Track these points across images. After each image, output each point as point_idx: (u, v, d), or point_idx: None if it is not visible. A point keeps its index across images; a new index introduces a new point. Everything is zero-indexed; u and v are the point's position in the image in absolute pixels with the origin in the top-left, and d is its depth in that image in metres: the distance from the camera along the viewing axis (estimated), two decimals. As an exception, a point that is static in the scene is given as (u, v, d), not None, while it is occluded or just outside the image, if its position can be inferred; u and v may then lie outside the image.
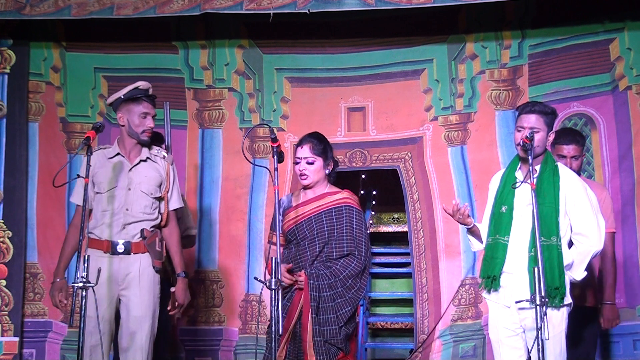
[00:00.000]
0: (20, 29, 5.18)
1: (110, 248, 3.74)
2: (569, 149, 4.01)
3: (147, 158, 3.87)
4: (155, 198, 3.85)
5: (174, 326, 5.02)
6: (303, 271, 3.67)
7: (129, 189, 3.79)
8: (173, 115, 4.90)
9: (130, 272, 3.76)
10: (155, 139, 4.43)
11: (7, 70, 5.17)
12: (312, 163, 3.76)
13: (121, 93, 3.83)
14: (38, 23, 5.06)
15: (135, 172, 3.82)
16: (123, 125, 3.84)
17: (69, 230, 3.83)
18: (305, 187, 3.83)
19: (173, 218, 3.94)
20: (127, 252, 3.75)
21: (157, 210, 3.88)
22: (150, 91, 3.88)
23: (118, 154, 3.83)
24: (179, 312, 3.91)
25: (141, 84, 3.85)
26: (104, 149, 3.90)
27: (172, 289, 3.88)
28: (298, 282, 3.66)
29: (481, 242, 3.67)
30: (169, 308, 3.87)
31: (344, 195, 3.82)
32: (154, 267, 3.80)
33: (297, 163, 3.79)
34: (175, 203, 3.94)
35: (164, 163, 3.92)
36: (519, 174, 3.55)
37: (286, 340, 3.63)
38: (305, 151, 3.77)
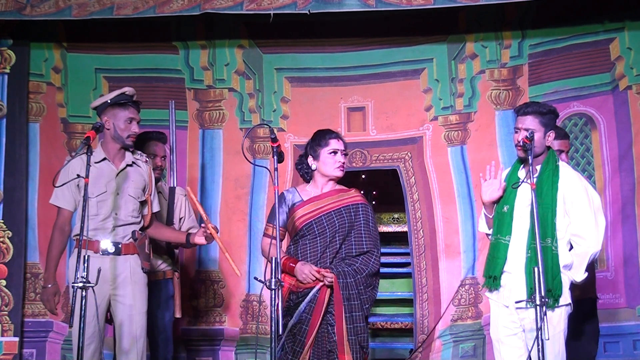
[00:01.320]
0: (21, 29, 5.18)
1: (99, 248, 3.76)
2: (566, 143, 4.05)
3: (133, 163, 3.92)
4: (141, 201, 3.92)
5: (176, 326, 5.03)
6: (329, 269, 3.67)
7: (117, 194, 3.83)
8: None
9: (121, 273, 3.79)
10: (158, 139, 4.46)
11: (7, 70, 5.17)
12: (346, 155, 3.88)
13: (108, 97, 3.86)
14: (38, 23, 5.06)
15: (122, 177, 3.86)
16: (108, 129, 3.86)
17: (55, 234, 3.85)
18: (315, 181, 3.85)
19: (155, 219, 4.05)
20: (117, 252, 3.79)
21: (140, 213, 3.94)
22: (135, 97, 3.93)
23: (105, 158, 3.85)
24: (212, 228, 3.84)
25: (127, 90, 3.89)
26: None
27: (198, 239, 3.88)
28: (326, 279, 3.66)
29: (489, 227, 3.67)
30: (210, 231, 3.80)
31: (358, 194, 3.90)
32: (142, 269, 3.87)
33: (335, 153, 3.81)
34: (157, 206, 4.07)
35: (146, 167, 3.98)
36: (522, 174, 3.55)
37: (310, 343, 3.63)
38: (342, 144, 3.85)
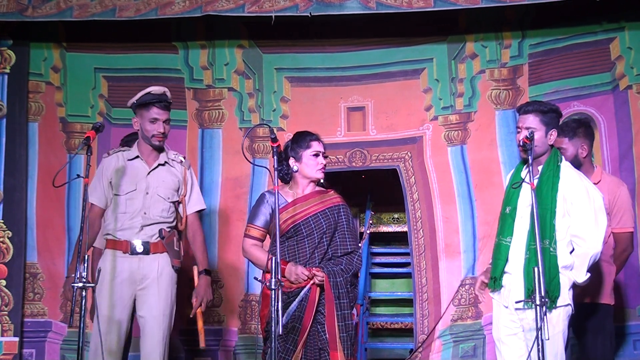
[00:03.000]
0: (21, 29, 5.19)
1: (129, 248, 3.78)
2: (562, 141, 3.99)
3: (165, 162, 3.94)
4: (172, 202, 3.93)
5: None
6: (319, 268, 3.70)
7: (147, 193, 3.86)
8: (173, 115, 4.87)
9: (149, 272, 3.81)
10: None
11: (7, 70, 5.19)
12: (326, 157, 3.90)
13: (135, 98, 3.90)
14: (38, 23, 5.06)
15: (152, 176, 3.89)
16: (138, 130, 3.93)
17: (85, 228, 3.82)
18: (296, 183, 3.86)
19: (195, 220, 4.03)
20: (145, 252, 3.81)
21: (175, 213, 3.95)
22: (168, 94, 3.95)
23: (138, 156, 3.90)
24: (198, 307, 3.92)
25: (154, 89, 3.92)
26: (123, 151, 3.96)
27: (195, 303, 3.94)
28: (317, 277, 3.67)
29: None
30: (193, 301, 3.90)
31: (337, 195, 3.93)
32: (173, 267, 3.87)
33: (317, 155, 3.83)
34: (195, 205, 4.04)
35: (181, 167, 3.99)
36: (524, 174, 3.55)
37: (303, 342, 3.64)
38: (322, 146, 3.87)
